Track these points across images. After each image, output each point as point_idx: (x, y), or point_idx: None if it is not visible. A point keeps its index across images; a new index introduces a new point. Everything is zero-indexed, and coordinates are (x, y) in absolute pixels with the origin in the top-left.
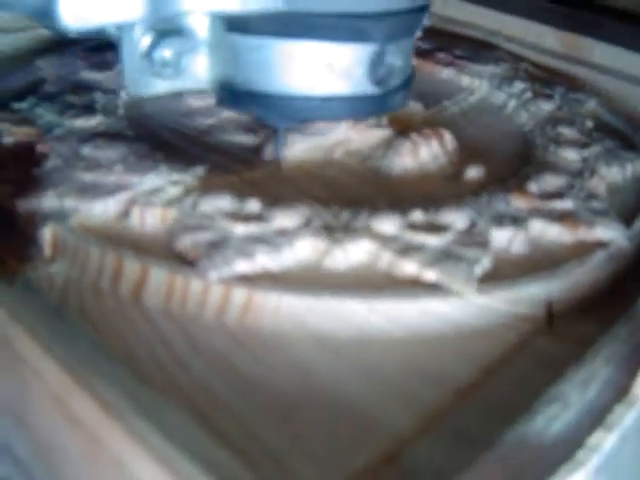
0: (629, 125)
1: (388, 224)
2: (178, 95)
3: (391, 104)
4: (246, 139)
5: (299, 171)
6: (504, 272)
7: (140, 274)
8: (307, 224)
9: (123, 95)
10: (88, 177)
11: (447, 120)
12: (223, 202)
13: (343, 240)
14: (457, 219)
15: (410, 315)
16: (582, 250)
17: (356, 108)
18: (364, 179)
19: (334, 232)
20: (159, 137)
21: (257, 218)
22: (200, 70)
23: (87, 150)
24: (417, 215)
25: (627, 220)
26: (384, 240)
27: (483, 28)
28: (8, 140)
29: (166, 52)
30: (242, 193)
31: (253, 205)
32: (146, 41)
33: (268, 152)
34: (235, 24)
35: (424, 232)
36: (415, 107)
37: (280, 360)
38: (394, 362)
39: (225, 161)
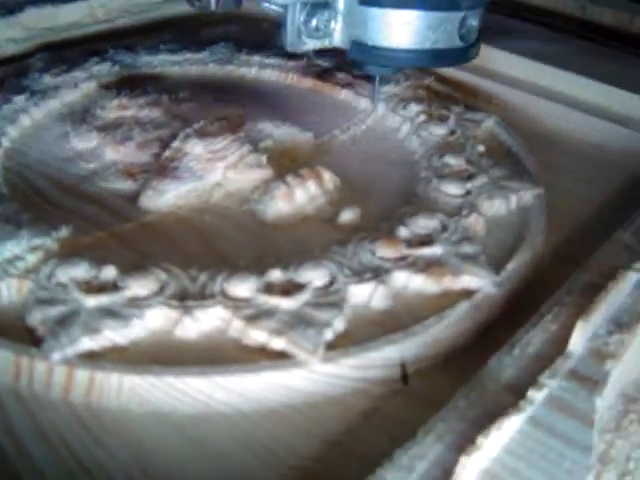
0: (524, 146)
1: (243, 287)
2: (64, 138)
3: (470, 54)
4: (125, 186)
5: (173, 220)
6: (359, 333)
7: None
8: (161, 291)
9: (4, 142)
10: None
11: (336, 150)
12: (78, 270)
13: (194, 308)
14: (316, 276)
15: (256, 388)
16: (447, 300)
17: (449, 57)
18: (240, 226)
19: (187, 299)
20: (35, 190)
21: (111, 287)
22: (337, 32)
23: None
24: (275, 274)
25: (504, 259)
26: (237, 305)
27: None
28: None
29: (315, 21)
30: (107, 253)
31: (109, 272)
32: (302, 13)
33: (144, 200)
34: None
35: (279, 294)
36: (305, 137)
37: (120, 443)
38: (235, 438)
39: (99, 214)
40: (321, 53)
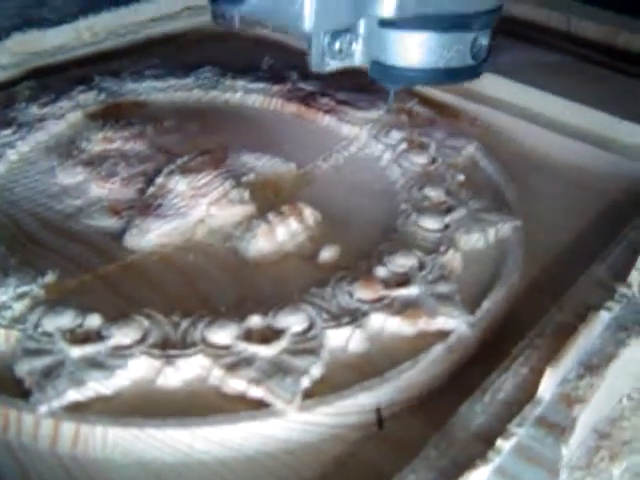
0: (504, 173)
1: (223, 334)
2: (50, 172)
3: (480, 71)
4: (110, 223)
5: (155, 260)
6: (335, 378)
7: None
8: (143, 339)
9: None
10: None
11: (319, 180)
12: (64, 319)
13: (175, 357)
14: (294, 321)
15: (235, 437)
16: (422, 342)
17: (461, 74)
18: (222, 265)
19: (169, 347)
20: (21, 229)
21: (95, 336)
22: (358, 53)
23: None
24: (255, 320)
25: (479, 297)
26: (217, 353)
27: None
28: None
29: (339, 44)
30: (92, 298)
31: (93, 320)
32: (326, 37)
33: (128, 239)
34: (385, 23)
35: (258, 341)
36: (287, 168)
37: None
38: None
39: (84, 254)
40: (305, 79)
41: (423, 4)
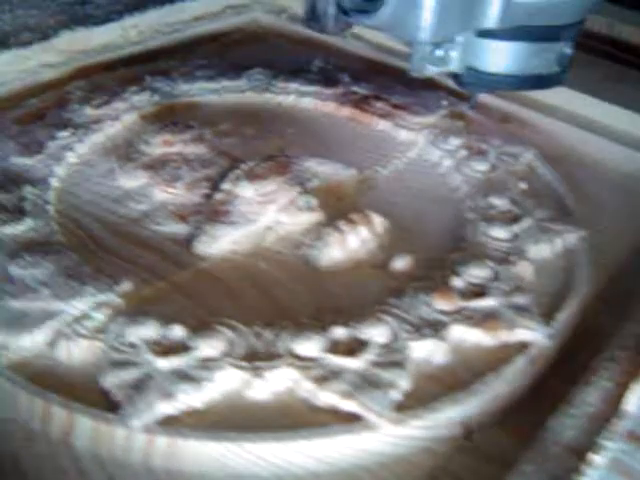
0: (564, 182)
1: (309, 346)
2: (111, 175)
3: (563, 78)
4: (177, 229)
5: (227, 267)
6: (421, 391)
7: (68, 419)
8: (230, 351)
9: (53, 183)
10: (15, 304)
11: (380, 186)
12: (147, 330)
13: (264, 369)
14: (378, 333)
15: (330, 451)
16: (504, 354)
17: (547, 81)
18: (294, 273)
19: (255, 359)
20: (89, 235)
21: (180, 347)
22: (455, 59)
23: (14, 269)
24: (339, 332)
25: (552, 308)
26: (305, 366)
27: None
28: None
29: (440, 52)
30: (170, 307)
31: (177, 332)
32: (429, 46)
33: (198, 245)
34: (483, 33)
35: (344, 354)
36: (349, 174)
37: None
38: None
39: (155, 261)
40: (357, 81)
41: (521, 17)
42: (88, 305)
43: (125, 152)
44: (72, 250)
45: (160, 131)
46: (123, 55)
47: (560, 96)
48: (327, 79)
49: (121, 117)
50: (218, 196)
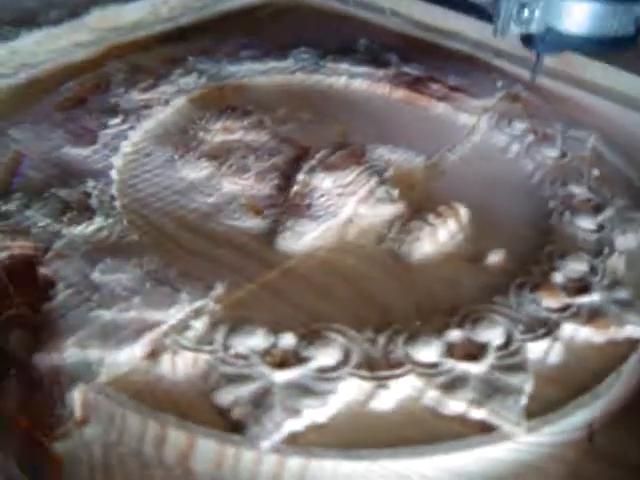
0: (630, 164)
1: (428, 352)
2: (171, 165)
3: (636, 40)
4: (254, 224)
5: (315, 264)
6: (543, 394)
7: (187, 442)
8: (346, 360)
9: (113, 175)
10: (106, 315)
11: (449, 172)
12: (256, 340)
13: (387, 378)
14: (494, 335)
15: (466, 463)
16: (615, 351)
17: (623, 43)
18: (384, 268)
19: (375, 368)
20: (163, 232)
21: (293, 357)
22: (537, 21)
23: (97, 275)
24: (454, 335)
25: None
26: (427, 372)
27: (469, 39)
28: (1, 255)
29: (526, 12)
30: (267, 311)
31: (288, 340)
32: (515, 6)
33: (281, 242)
34: None
35: (462, 358)
36: (418, 160)
37: None
38: None
39: (238, 260)
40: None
41: None
42: (185, 313)
43: (182, 140)
44: (152, 251)
45: (219, 117)
46: (155, 33)
47: (609, 77)
48: (375, 59)
49: (171, 101)
50: (296, 188)
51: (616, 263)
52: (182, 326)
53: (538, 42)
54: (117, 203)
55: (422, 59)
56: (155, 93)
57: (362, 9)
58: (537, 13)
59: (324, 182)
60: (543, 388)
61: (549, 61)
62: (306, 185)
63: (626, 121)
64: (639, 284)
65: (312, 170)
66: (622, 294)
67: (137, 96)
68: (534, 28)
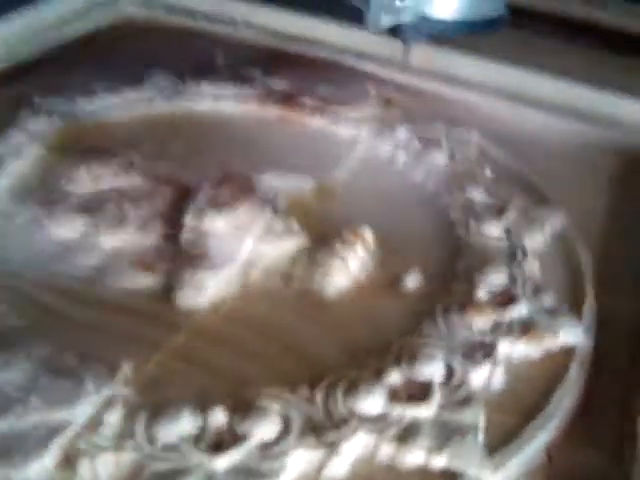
0: (517, 158)
1: (371, 401)
2: (38, 225)
3: (506, 20)
4: (146, 282)
5: (223, 318)
6: (500, 426)
7: None
8: (287, 428)
9: None
10: (4, 425)
11: (340, 193)
12: (182, 424)
13: (335, 442)
14: (434, 370)
15: None
16: (551, 363)
17: (496, 24)
18: (298, 311)
19: (320, 431)
20: (45, 308)
21: (228, 436)
22: (410, 9)
23: None
24: (394, 377)
25: (573, 301)
26: (377, 426)
27: (328, 45)
28: None
29: (398, 2)
30: (184, 383)
31: (218, 418)
32: None
33: (182, 299)
34: None
35: (409, 402)
36: (307, 183)
37: None
38: None
39: (138, 327)
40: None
41: None
42: (95, 406)
43: (45, 194)
44: (38, 334)
45: (82, 163)
46: None
47: (478, 70)
48: (238, 76)
49: (23, 151)
50: (186, 236)
51: (532, 267)
52: (94, 422)
53: (408, 31)
54: None
55: (286, 71)
56: (3, 141)
57: (213, 23)
58: (408, 1)
59: (215, 224)
60: (494, 418)
61: (413, 60)
62: (196, 230)
63: (503, 113)
64: (557, 286)
65: (200, 212)
66: (547, 300)
67: None
68: (405, 17)
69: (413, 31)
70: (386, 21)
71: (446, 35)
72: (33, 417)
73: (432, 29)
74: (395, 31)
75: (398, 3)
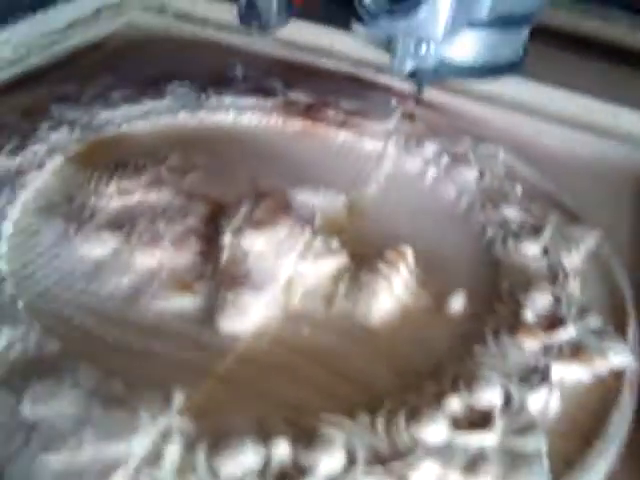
0: (543, 175)
1: (435, 429)
2: (65, 241)
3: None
4: (185, 303)
5: (268, 342)
6: (563, 451)
7: None
8: (353, 458)
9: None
10: (55, 461)
11: (370, 209)
12: (246, 458)
13: (405, 471)
14: (492, 396)
15: None
16: (602, 387)
17: (515, 67)
18: (344, 334)
19: (385, 460)
20: (86, 333)
21: (295, 470)
22: (434, 54)
23: (29, 408)
24: (453, 404)
25: (618, 323)
26: (442, 454)
27: (346, 56)
28: None
29: (424, 48)
30: (239, 412)
31: (283, 449)
32: (412, 42)
33: (225, 322)
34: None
35: (471, 429)
36: (339, 201)
37: None
38: None
39: (182, 352)
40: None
41: (505, 5)
42: (152, 438)
43: (72, 210)
44: (82, 360)
45: (110, 177)
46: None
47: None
48: (259, 88)
49: (44, 162)
50: (226, 255)
51: (574, 288)
52: (153, 455)
53: (426, 74)
54: (20, 304)
55: (306, 83)
56: (26, 154)
57: (226, 32)
58: (433, 48)
59: (256, 242)
60: (555, 443)
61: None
62: (235, 249)
63: (522, 130)
64: (599, 307)
65: (239, 230)
66: (593, 322)
67: (5, 161)
68: (429, 63)
69: (430, 74)
70: (410, 66)
71: (463, 78)
72: (88, 451)
73: (449, 73)
74: (414, 74)
75: (424, 50)
